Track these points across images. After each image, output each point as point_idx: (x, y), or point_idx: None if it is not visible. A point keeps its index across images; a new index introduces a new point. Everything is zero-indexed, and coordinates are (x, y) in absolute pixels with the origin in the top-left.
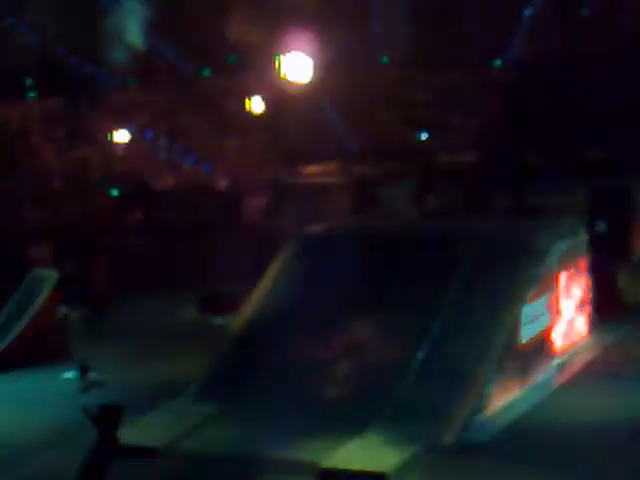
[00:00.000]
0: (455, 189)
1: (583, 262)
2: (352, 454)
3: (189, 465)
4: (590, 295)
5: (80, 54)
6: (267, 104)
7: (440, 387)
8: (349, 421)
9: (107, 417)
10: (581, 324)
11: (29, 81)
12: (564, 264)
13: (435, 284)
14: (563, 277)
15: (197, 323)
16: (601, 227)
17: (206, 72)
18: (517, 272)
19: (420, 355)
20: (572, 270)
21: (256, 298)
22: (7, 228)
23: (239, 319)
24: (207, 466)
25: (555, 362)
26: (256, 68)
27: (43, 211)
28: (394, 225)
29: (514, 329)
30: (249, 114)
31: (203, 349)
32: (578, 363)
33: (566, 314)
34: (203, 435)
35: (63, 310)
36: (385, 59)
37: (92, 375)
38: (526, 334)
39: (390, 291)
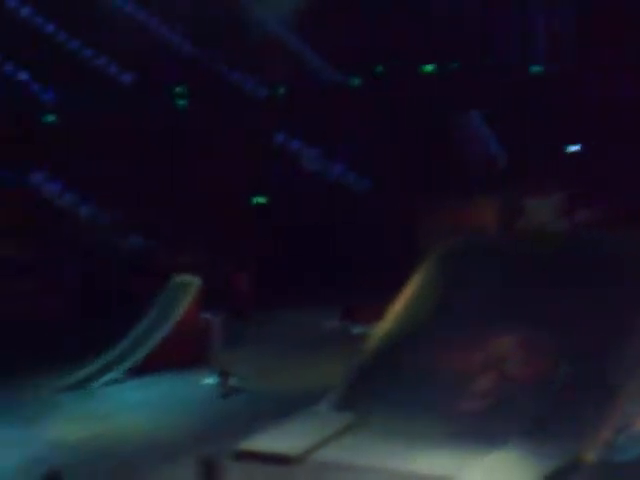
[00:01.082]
0: (607, 201)
1: None
2: (488, 470)
3: (324, 474)
4: None
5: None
6: None
7: (583, 403)
8: (487, 435)
9: None
10: None
11: (179, 89)
12: None
13: (580, 300)
14: None
15: (339, 332)
16: None
17: (355, 81)
18: None
19: (563, 370)
20: None
21: (397, 309)
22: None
23: (380, 329)
24: (341, 475)
25: None
26: None
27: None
28: (537, 239)
29: None
30: None
31: (343, 358)
32: None
33: None
34: (340, 444)
35: (206, 316)
36: (536, 69)
37: (233, 381)
38: None
39: (533, 305)
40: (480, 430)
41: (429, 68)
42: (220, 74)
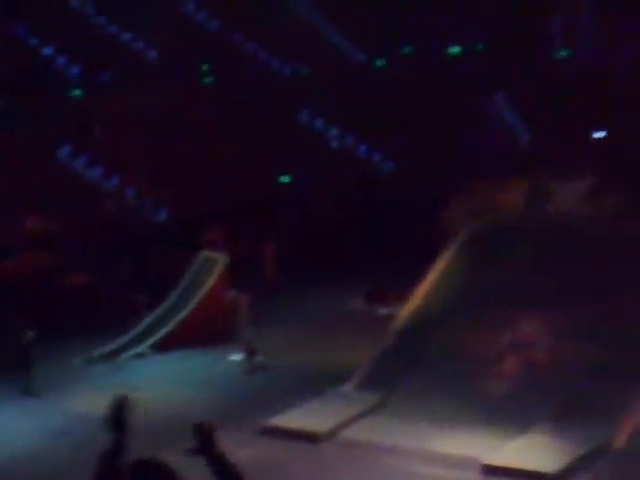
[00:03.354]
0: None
1: None
2: (516, 452)
3: (349, 452)
4: None
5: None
6: None
7: (612, 389)
8: (514, 418)
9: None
10: None
11: (205, 66)
12: None
13: (608, 285)
14: None
15: (363, 313)
16: None
17: (378, 62)
18: None
19: (592, 355)
20: None
21: (423, 290)
22: (181, 211)
23: (405, 311)
24: (368, 454)
25: None
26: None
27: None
28: (564, 222)
29: None
30: None
31: (368, 339)
32: None
33: None
34: (365, 424)
35: (232, 293)
36: (563, 53)
37: (258, 358)
38: None
39: (561, 288)
40: (507, 413)
41: (455, 50)
42: (245, 52)
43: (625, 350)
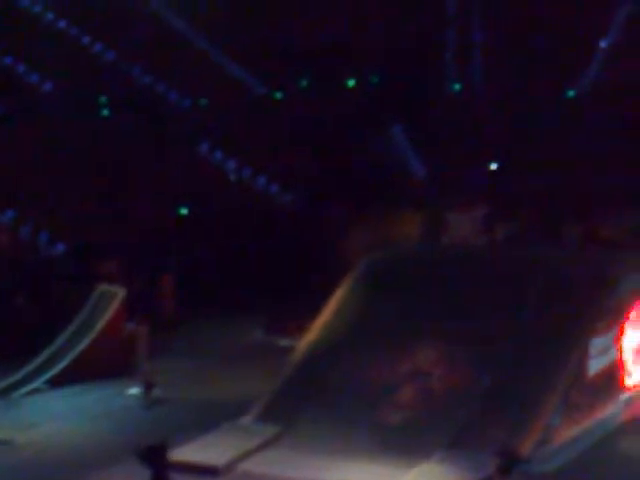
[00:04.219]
0: (525, 217)
1: None
2: None
3: None
4: None
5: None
6: None
7: (504, 417)
8: (411, 449)
9: (154, 458)
10: None
11: (103, 99)
12: (635, 296)
13: (500, 313)
14: (634, 309)
15: (262, 344)
16: None
17: (277, 95)
18: (586, 303)
19: (484, 384)
20: None
21: (321, 321)
22: (78, 244)
23: (304, 341)
24: None
25: (624, 396)
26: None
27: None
28: (459, 253)
29: (582, 361)
30: None
31: (267, 370)
32: None
33: (636, 347)
34: (264, 456)
35: (129, 326)
36: (457, 87)
37: (156, 392)
38: (594, 367)
39: (454, 318)
40: (404, 443)
41: (351, 83)
42: (144, 85)
43: (512, 379)
